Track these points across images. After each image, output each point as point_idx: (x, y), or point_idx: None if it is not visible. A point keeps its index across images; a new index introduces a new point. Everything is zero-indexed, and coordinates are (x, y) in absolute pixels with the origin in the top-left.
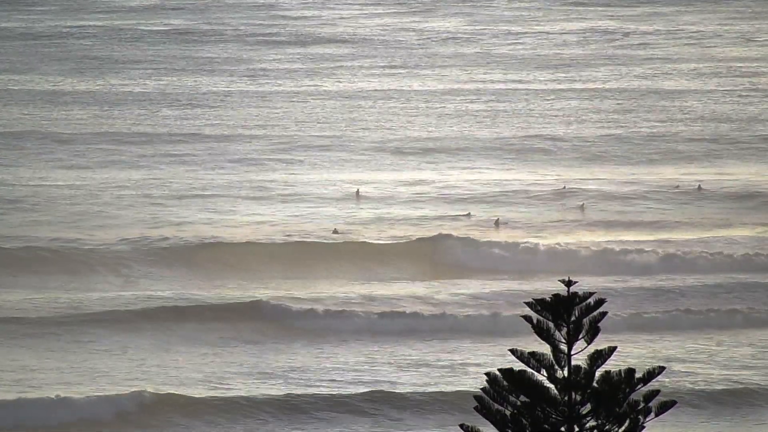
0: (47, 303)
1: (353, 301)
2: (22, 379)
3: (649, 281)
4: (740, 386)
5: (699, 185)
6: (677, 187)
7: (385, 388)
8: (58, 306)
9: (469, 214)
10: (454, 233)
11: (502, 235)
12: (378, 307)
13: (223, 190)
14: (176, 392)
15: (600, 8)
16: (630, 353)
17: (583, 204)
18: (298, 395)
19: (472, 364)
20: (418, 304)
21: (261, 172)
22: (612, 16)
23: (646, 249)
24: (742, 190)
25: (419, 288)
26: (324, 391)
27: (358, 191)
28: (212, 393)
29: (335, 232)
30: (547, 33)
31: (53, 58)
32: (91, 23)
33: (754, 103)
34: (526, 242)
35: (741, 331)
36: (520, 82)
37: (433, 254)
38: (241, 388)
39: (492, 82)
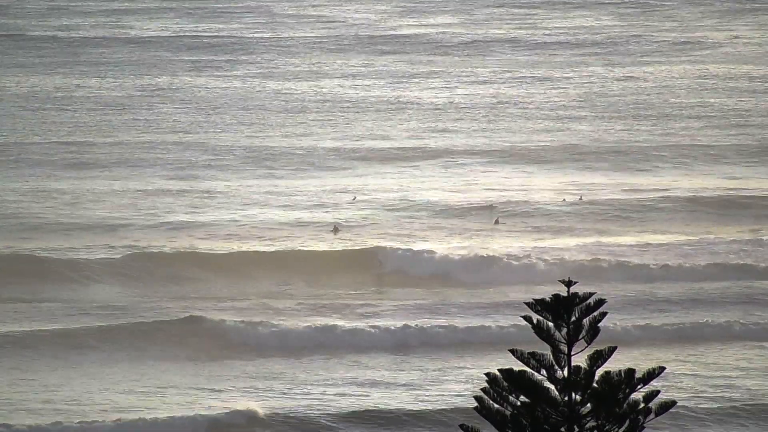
0: None
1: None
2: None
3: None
4: None
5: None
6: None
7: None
8: None
9: (491, 206)
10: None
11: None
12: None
13: (186, 196)
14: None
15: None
16: None
17: (581, 197)
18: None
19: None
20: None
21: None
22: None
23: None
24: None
25: (341, 300)
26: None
27: (354, 198)
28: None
29: (335, 229)
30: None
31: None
32: (76, 22)
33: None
34: (458, 251)
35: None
36: (518, 82)
37: (371, 264)
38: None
39: (485, 88)
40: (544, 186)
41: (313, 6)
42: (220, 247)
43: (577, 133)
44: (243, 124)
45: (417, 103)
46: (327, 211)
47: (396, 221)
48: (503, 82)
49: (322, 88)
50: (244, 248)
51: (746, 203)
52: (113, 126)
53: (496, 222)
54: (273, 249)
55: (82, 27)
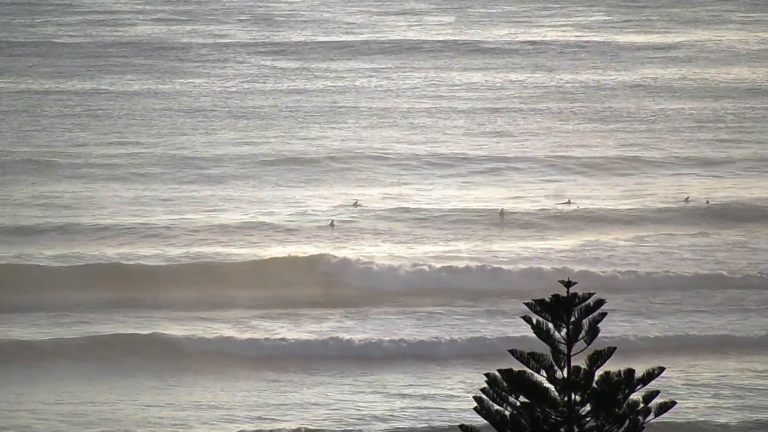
0: None
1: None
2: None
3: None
4: None
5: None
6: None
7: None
8: None
9: (502, 211)
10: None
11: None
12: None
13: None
14: None
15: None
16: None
17: (569, 200)
18: None
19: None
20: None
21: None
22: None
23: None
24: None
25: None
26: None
27: (356, 203)
28: None
29: (332, 224)
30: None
31: None
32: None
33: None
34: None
35: None
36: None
37: (312, 273)
38: None
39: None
40: (540, 191)
41: (309, 9)
42: (185, 253)
43: (571, 136)
44: (234, 129)
45: (415, 107)
46: (321, 218)
47: (382, 226)
48: (496, 86)
49: (317, 92)
50: (226, 256)
51: (738, 209)
52: (89, 132)
53: (501, 214)
54: (242, 258)
55: (68, 31)
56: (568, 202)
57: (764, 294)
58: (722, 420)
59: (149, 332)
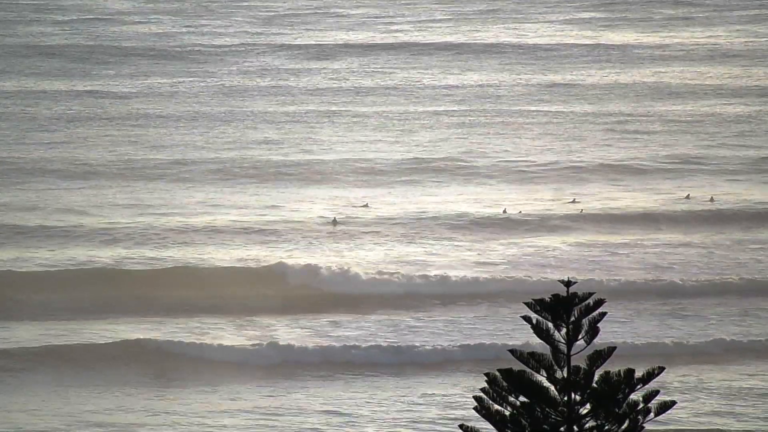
0: None
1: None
2: None
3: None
4: None
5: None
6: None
7: None
8: None
9: (504, 210)
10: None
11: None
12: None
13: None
14: None
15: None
16: None
17: (573, 199)
18: None
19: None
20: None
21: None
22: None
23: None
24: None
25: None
26: None
27: (366, 204)
28: None
29: (334, 222)
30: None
31: None
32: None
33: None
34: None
35: None
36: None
37: (279, 280)
38: None
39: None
40: (541, 191)
41: (312, 14)
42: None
43: (571, 136)
44: (233, 133)
45: (414, 108)
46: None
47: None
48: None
49: (316, 92)
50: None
51: (740, 209)
52: (84, 133)
53: (504, 211)
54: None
55: (58, 34)
56: (573, 201)
57: (765, 297)
58: (722, 425)
59: (136, 338)
